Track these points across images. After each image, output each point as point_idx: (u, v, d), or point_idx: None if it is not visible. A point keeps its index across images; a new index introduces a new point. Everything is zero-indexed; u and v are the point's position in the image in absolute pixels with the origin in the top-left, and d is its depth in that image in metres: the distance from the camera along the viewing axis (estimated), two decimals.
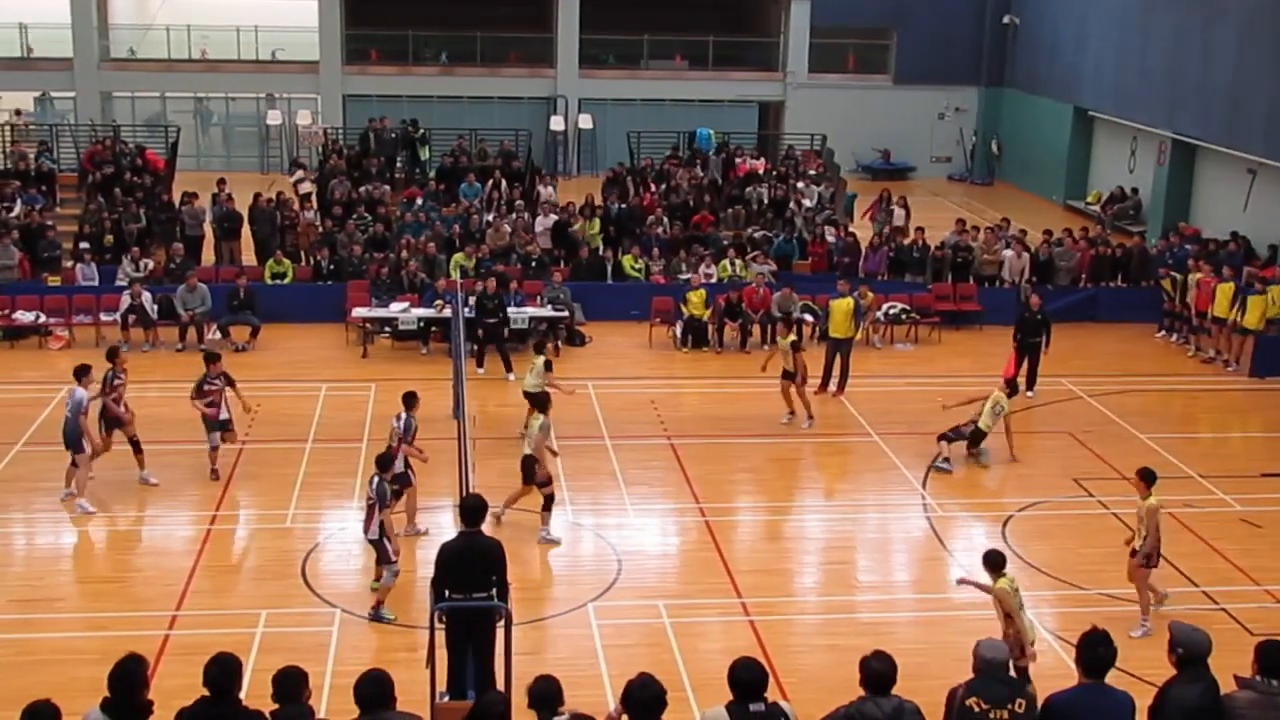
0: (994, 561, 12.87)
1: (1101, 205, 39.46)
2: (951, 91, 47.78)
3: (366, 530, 15.07)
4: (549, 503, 17.11)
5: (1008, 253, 29.19)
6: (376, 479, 15.00)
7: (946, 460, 19.84)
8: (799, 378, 21.34)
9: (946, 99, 47.90)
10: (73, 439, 17.64)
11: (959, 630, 14.45)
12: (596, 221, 30.74)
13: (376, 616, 14.82)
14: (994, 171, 47.81)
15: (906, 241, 29.90)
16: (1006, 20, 46.28)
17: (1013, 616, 12.57)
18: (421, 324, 25.29)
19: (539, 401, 17.73)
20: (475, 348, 24.15)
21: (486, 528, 12.52)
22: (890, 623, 15.11)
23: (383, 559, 14.93)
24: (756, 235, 30.45)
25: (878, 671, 8.50)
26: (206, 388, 18.57)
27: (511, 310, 25.50)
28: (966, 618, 14.73)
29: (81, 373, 18.01)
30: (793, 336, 21.51)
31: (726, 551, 16.91)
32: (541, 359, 20.17)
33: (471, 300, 24.06)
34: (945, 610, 15.64)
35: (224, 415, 18.75)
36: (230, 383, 18.88)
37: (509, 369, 23.85)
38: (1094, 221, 36.73)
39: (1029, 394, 23.42)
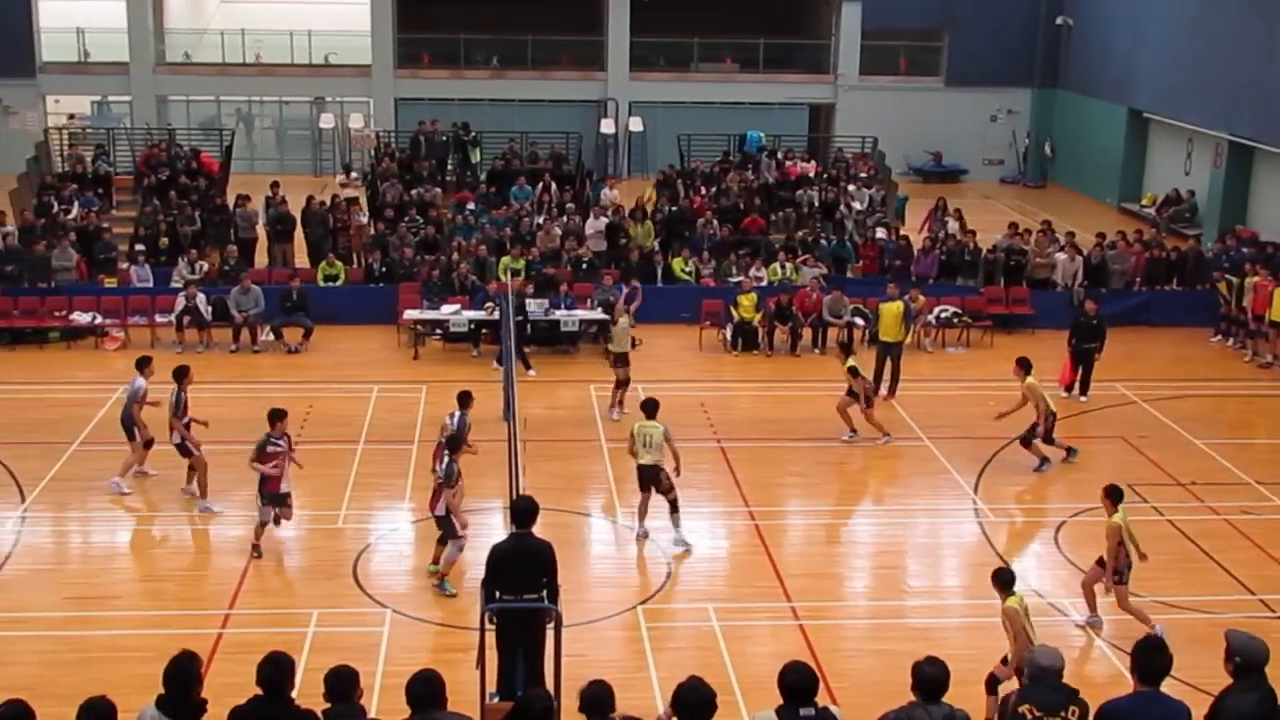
0: (1003, 580, 12.67)
1: (1156, 208, 39.10)
2: (1004, 93, 47.46)
3: (433, 508, 15.55)
4: (676, 506, 17.01)
5: (1060, 256, 28.97)
6: (446, 459, 15.52)
7: (1046, 461, 19.91)
8: (864, 400, 20.88)
9: (999, 101, 47.59)
10: (126, 426, 18.40)
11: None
12: (649, 224, 30.72)
13: (441, 589, 15.46)
14: (1047, 174, 47.46)
15: (958, 245, 29.73)
16: (1060, 21, 45.93)
17: (1019, 637, 12.23)
18: (472, 326, 25.36)
19: (654, 407, 17.47)
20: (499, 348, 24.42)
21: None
22: (941, 628, 15.02)
23: (449, 534, 15.49)
24: (810, 239, 30.35)
25: (931, 676, 8.44)
26: (270, 449, 16.27)
27: (561, 313, 25.59)
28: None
29: (143, 364, 18.63)
30: (852, 361, 20.92)
31: (776, 555, 16.87)
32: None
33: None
34: (997, 616, 15.45)
35: (285, 487, 16.39)
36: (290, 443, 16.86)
37: (527, 366, 24.13)
38: (1148, 224, 36.38)
39: (1082, 399, 23.28)
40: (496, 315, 23.96)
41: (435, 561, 15.85)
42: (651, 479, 16.95)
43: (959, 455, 20.41)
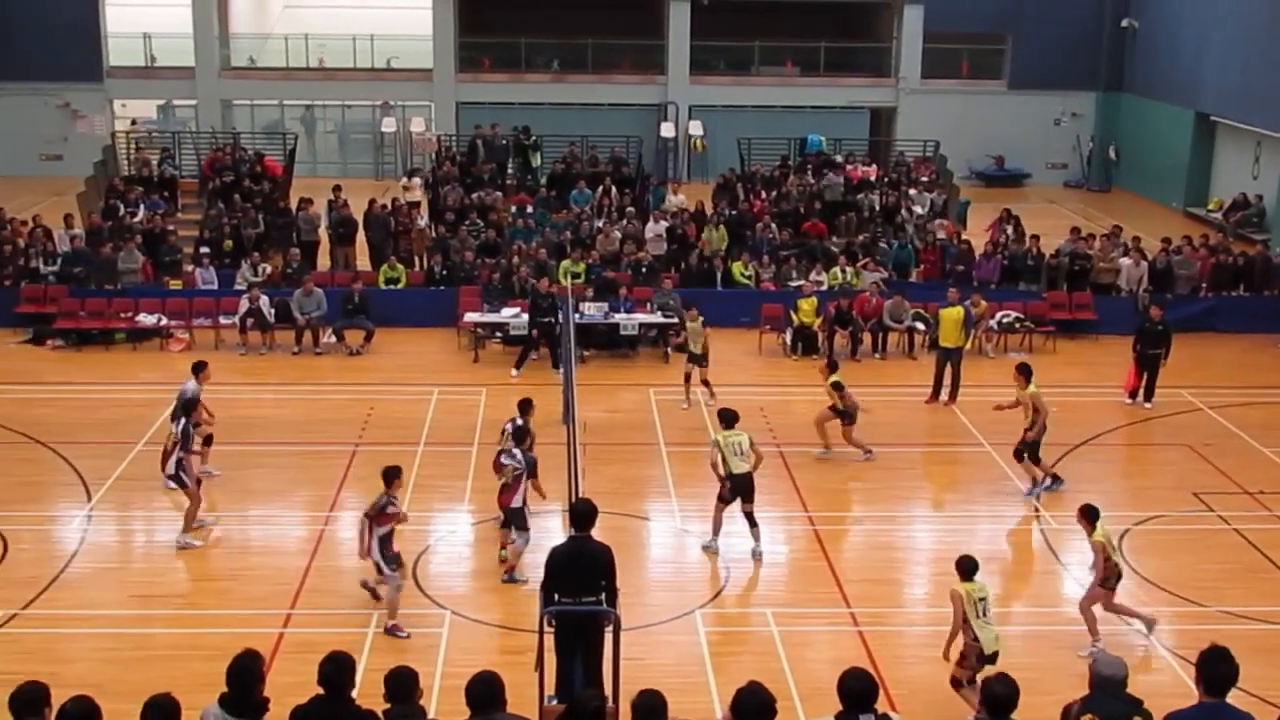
0: (964, 567, 13.10)
1: (1223, 212, 38.62)
2: (1067, 97, 47.08)
3: (508, 502, 15.86)
4: (754, 519, 16.88)
5: (1125, 261, 28.68)
6: (518, 452, 15.88)
7: (1051, 478, 19.18)
8: (850, 418, 20.30)
9: (1062, 104, 47.21)
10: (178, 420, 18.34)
11: (1074, 645, 14.26)
12: (723, 230, 30.53)
13: (510, 579, 15.80)
14: (1111, 178, 47.04)
15: (1021, 249, 29.51)
16: (1125, 24, 45.53)
17: (963, 624, 12.79)
18: (534, 332, 25.43)
19: (733, 417, 17.21)
20: (530, 350, 24.83)
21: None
22: (1003, 636, 14.84)
23: (521, 526, 15.88)
24: (871, 244, 30.20)
25: (998, 695, 8.35)
26: (390, 509, 14.78)
27: (620, 316, 25.63)
28: (1082, 633, 14.48)
29: (198, 368, 18.88)
30: (835, 377, 20.24)
31: (835, 560, 16.80)
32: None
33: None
34: (1059, 625, 15.38)
35: (396, 547, 15.00)
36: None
37: (556, 365, 24.26)
38: (1215, 229, 35.97)
39: (1147, 405, 23.04)
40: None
41: (503, 546, 16.36)
42: (749, 488, 16.65)
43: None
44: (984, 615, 12.86)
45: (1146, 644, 14.66)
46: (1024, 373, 19.07)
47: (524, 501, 15.83)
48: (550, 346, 24.54)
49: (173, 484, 17.13)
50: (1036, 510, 18.54)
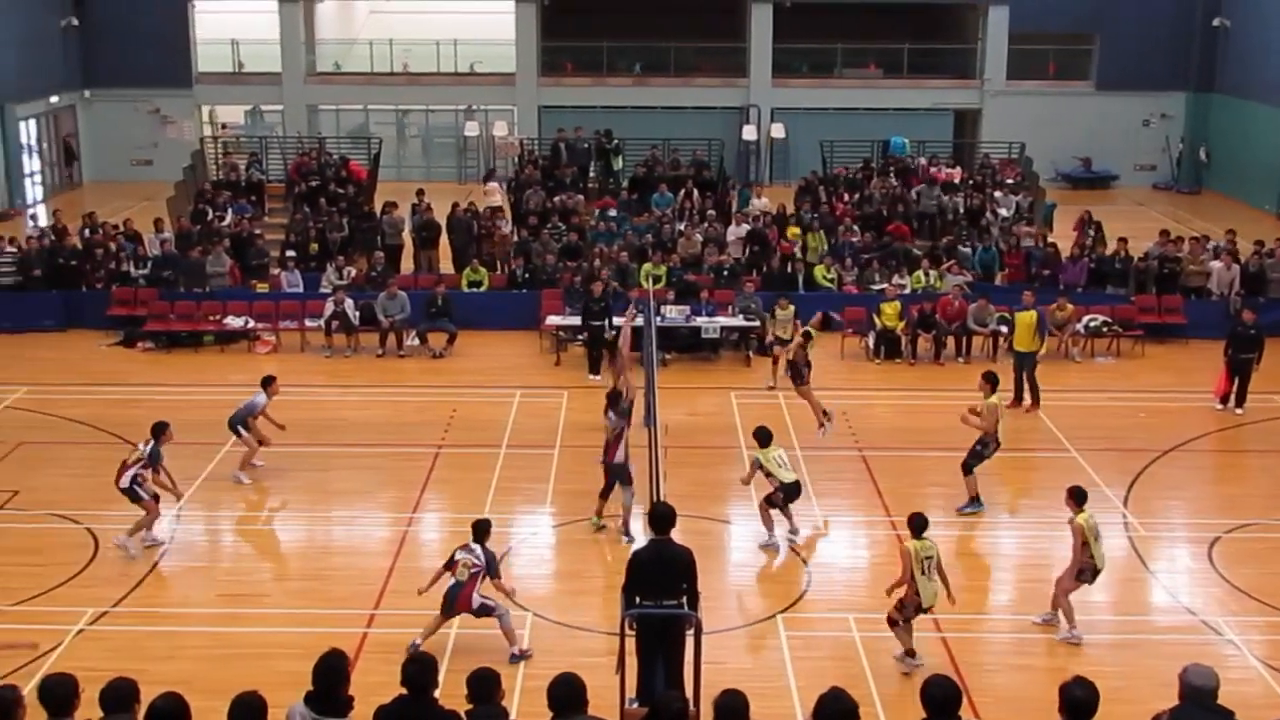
0: (915, 524, 14.03)
1: None
2: (1157, 97, 46.50)
3: (611, 457, 16.71)
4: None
5: (1215, 264, 28.23)
6: (612, 414, 16.77)
7: (976, 501, 18.45)
8: (805, 379, 20.72)
9: (1151, 105, 46.66)
10: (232, 427, 19.42)
11: (1163, 654, 14.01)
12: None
13: (627, 537, 16.81)
14: (1201, 180, 46.35)
15: (1108, 252, 29.13)
16: (1216, 23, 44.86)
17: (904, 574, 13.80)
18: (613, 332, 25.43)
19: (768, 436, 17.38)
20: (589, 351, 25.01)
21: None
22: (1088, 644, 14.67)
23: (625, 480, 16.91)
24: (959, 248, 29.95)
25: (1079, 699, 8.20)
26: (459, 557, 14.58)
27: (702, 320, 25.62)
28: (1171, 641, 14.30)
29: (267, 382, 19.49)
30: (807, 328, 21.10)
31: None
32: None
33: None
34: (1147, 633, 15.18)
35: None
36: None
37: (594, 370, 24.54)
38: None
39: (1238, 411, 22.65)
40: (639, 321, 23.98)
41: (598, 515, 17.27)
42: (798, 493, 17.24)
43: (1108, 468, 19.95)
44: (928, 572, 13.70)
45: (1237, 653, 14.41)
46: (989, 380, 18.35)
47: (625, 456, 16.81)
48: (590, 351, 24.57)
49: (127, 496, 16.95)
50: (1124, 518, 18.27)
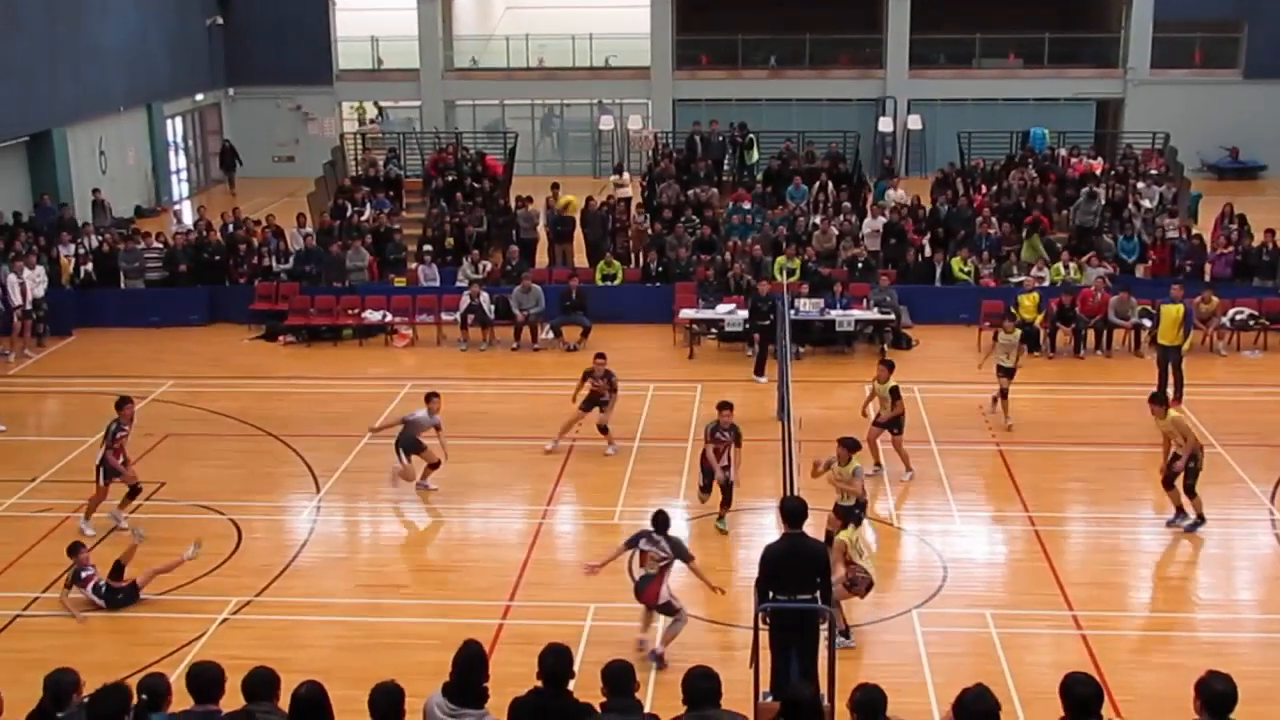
0: (844, 515, 14.79)
1: None
2: None
3: (654, 597, 14.25)
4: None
5: None
6: (661, 540, 14.27)
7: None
8: (899, 429, 19.03)
9: None
10: (404, 449, 18.77)
11: None
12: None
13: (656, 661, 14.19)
14: None
15: (1255, 244, 28.37)
16: None
17: (845, 563, 13.63)
18: (747, 325, 25.37)
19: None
20: (753, 352, 24.56)
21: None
22: (1233, 643, 14.34)
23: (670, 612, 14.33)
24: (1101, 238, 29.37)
25: (1218, 692, 8.00)
26: (718, 436, 17.42)
27: (836, 313, 25.45)
28: None
29: (430, 398, 18.94)
30: (893, 382, 18.87)
31: (1057, 562, 16.39)
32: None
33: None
34: None
35: (664, 596, 14.17)
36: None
37: (758, 370, 24.15)
38: None
39: None
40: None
41: (721, 517, 17.49)
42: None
43: (1255, 463, 19.44)
44: (865, 554, 13.88)
45: None
46: (1159, 401, 17.43)
47: (669, 593, 14.23)
48: (760, 350, 24.38)
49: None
50: (1271, 514, 17.80)
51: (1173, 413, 17.31)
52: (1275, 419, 21.47)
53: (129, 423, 17.56)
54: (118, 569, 15.34)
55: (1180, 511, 17.39)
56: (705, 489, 17.74)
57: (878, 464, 19.18)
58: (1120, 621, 15.13)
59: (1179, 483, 17.20)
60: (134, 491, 17.74)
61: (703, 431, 17.82)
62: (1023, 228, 29.99)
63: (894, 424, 18.93)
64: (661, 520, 14.23)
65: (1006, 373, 21.27)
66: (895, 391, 18.80)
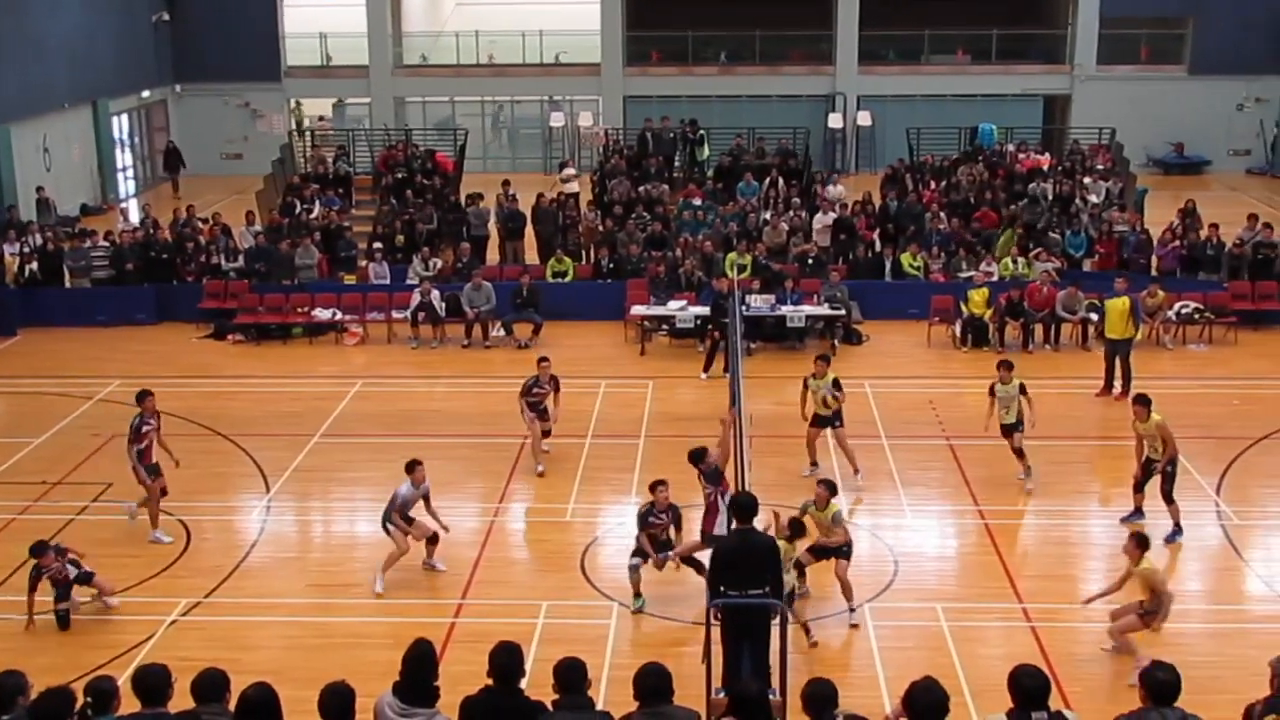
0: (792, 530, 14.12)
1: None
2: (1251, 81, 45.58)
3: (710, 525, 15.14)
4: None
5: None
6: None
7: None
8: (841, 421, 18.88)
9: (1246, 89, 45.75)
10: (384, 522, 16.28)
11: (1256, 644, 13.77)
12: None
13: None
14: None
15: (1201, 238, 28.63)
16: None
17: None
18: (698, 322, 25.40)
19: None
20: (704, 348, 24.58)
21: None
22: (1181, 634, 14.47)
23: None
24: (1048, 234, 29.54)
25: (1161, 681, 8.14)
26: (653, 519, 15.25)
27: (787, 309, 25.52)
28: (1264, 631, 14.07)
29: (411, 466, 16.19)
30: (832, 374, 18.85)
31: (1007, 555, 16.51)
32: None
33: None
34: (1241, 623, 14.95)
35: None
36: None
37: (706, 366, 24.15)
38: None
39: None
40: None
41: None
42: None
43: (1201, 456, 19.61)
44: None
45: None
46: (1144, 403, 17.02)
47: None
48: (712, 347, 24.39)
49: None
50: (1217, 506, 17.99)
51: (1156, 416, 16.79)
52: (1221, 411, 21.69)
53: (154, 415, 17.22)
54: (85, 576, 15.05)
55: (1138, 510, 17.28)
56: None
57: (814, 463, 19.13)
58: (1069, 613, 15.21)
59: (1150, 488, 17.02)
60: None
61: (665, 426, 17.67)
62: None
63: (837, 417, 18.95)
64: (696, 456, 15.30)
65: (1011, 429, 18.82)
66: (837, 383, 18.82)
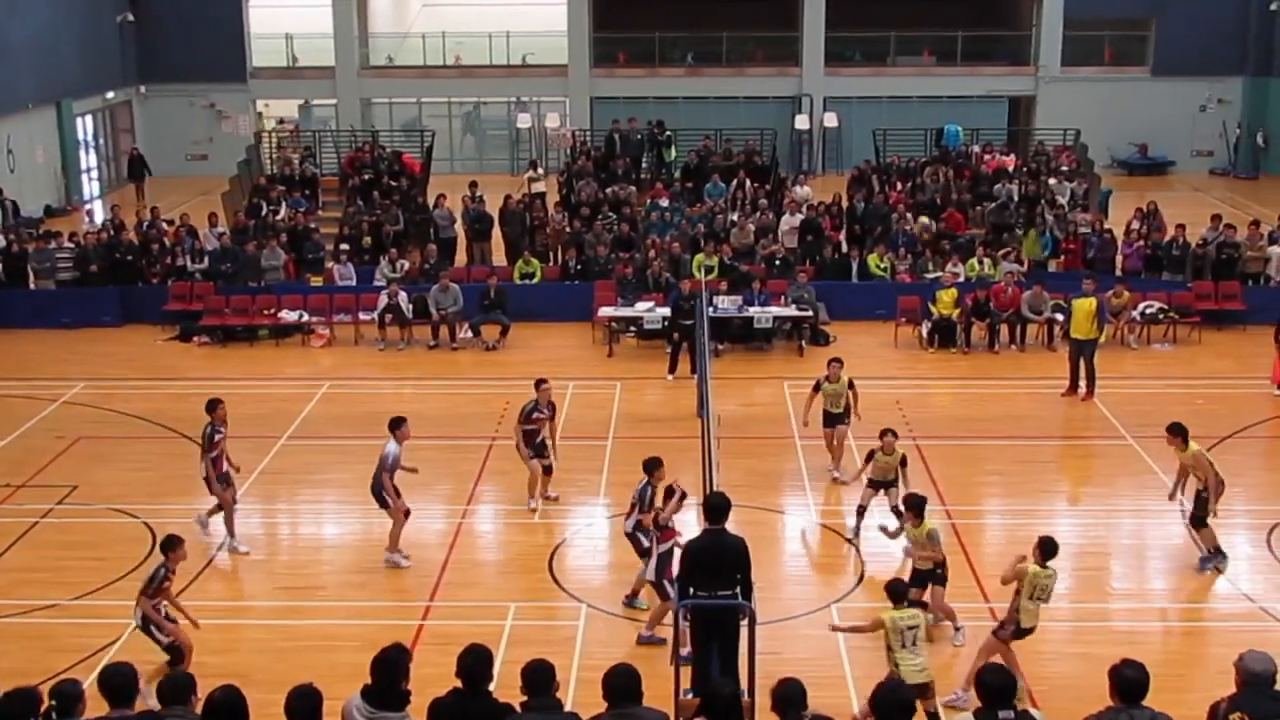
0: (894, 592, 12.53)
1: None
2: (1214, 82, 46.00)
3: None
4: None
5: (1275, 249, 27.92)
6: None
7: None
8: (848, 420, 19.15)
9: (1208, 90, 46.16)
10: (376, 495, 16.57)
11: (1221, 642, 13.89)
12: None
13: (630, 604, 15.06)
14: (1259, 165, 45.78)
15: (1165, 239, 28.82)
16: (1275, 6, 44.28)
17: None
18: (666, 323, 25.41)
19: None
20: (670, 350, 24.43)
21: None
22: (1146, 632, 14.59)
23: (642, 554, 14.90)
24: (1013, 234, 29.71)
25: (1130, 679, 8.19)
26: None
27: (755, 310, 25.55)
28: (1229, 629, 14.16)
29: (396, 425, 16.54)
30: (846, 375, 19.11)
31: (974, 555, 16.57)
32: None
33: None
34: (1207, 621, 15.06)
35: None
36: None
37: (671, 368, 24.07)
38: None
39: None
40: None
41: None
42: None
43: (1166, 455, 19.51)
44: (910, 645, 12.12)
45: None
46: (1178, 433, 16.41)
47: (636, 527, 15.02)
48: (691, 350, 24.39)
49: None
50: (1182, 505, 18.05)
51: (1193, 446, 16.18)
52: (1185, 410, 21.71)
53: (224, 424, 16.90)
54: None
55: (1218, 551, 16.17)
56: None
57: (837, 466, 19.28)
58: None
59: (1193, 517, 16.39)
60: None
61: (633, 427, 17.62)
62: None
63: (847, 414, 19.10)
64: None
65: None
66: (851, 384, 19.10)
